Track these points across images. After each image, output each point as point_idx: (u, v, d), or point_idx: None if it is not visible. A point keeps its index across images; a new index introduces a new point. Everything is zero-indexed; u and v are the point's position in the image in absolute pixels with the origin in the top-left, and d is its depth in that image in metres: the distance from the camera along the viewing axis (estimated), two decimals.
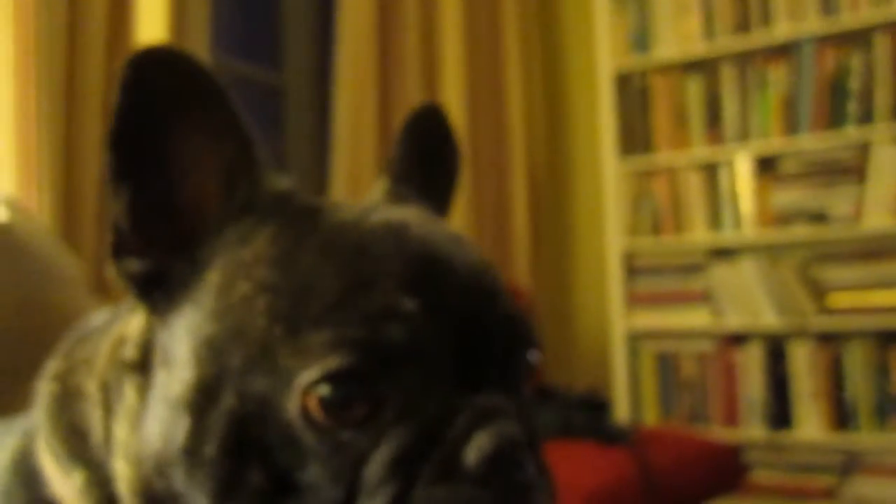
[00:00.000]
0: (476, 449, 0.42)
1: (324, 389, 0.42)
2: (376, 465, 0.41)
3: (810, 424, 2.68)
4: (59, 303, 0.93)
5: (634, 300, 2.99)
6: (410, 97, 2.69)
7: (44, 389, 0.53)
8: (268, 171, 0.49)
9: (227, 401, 0.43)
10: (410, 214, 0.51)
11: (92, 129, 1.69)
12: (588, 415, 1.97)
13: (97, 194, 1.69)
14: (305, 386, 0.42)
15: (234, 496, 0.42)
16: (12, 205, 0.90)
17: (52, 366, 0.54)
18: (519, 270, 2.96)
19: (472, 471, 0.41)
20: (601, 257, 3.10)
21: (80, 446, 0.49)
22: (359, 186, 2.48)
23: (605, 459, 1.80)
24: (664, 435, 2.27)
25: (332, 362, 0.42)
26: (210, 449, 0.43)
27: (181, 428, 0.44)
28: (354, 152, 2.54)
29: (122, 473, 0.47)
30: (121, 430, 0.48)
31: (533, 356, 0.51)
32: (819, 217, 2.72)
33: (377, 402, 0.42)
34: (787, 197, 2.77)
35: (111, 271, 0.49)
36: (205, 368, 0.44)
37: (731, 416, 2.80)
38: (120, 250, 0.48)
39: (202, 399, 0.44)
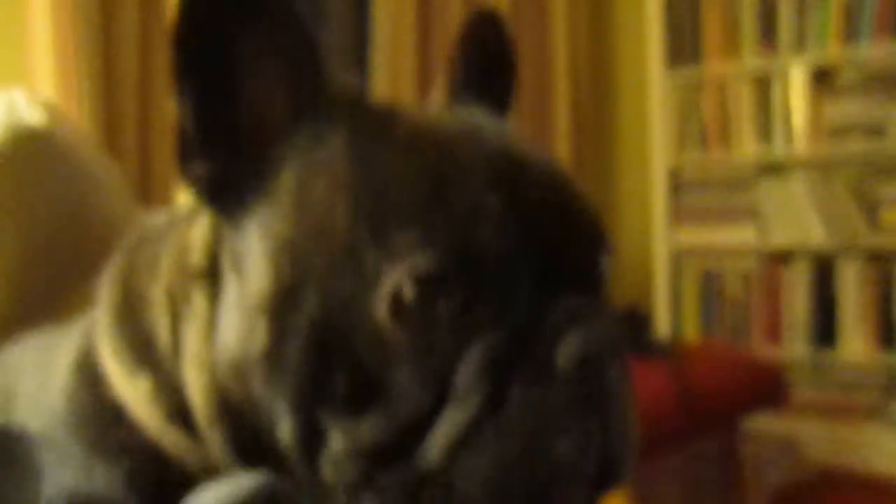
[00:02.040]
0: (567, 350, 0.41)
1: (412, 290, 0.40)
2: (467, 368, 0.40)
3: (855, 343, 2.64)
4: (104, 213, 0.92)
5: (679, 217, 2.93)
6: (451, 7, 2.61)
7: (106, 292, 0.52)
8: (335, 73, 0.47)
9: (311, 303, 0.42)
10: (482, 118, 0.50)
11: (131, 33, 1.67)
12: (629, 329, 1.96)
13: (138, 102, 1.68)
14: (393, 286, 0.41)
15: (317, 400, 0.41)
16: (50, 109, 0.88)
17: (113, 269, 0.53)
18: None
19: (563, 373, 0.41)
20: (646, 173, 3.03)
21: (145, 352, 0.48)
22: (398, 92, 2.44)
23: (644, 373, 1.79)
24: (705, 350, 2.26)
25: (421, 262, 0.40)
26: (293, 352, 0.42)
27: (260, 332, 0.43)
28: (394, 56, 2.49)
29: (194, 381, 0.46)
30: (191, 338, 0.46)
31: (608, 262, 0.49)
32: (876, 131, 2.61)
33: (466, 304, 0.41)
34: (843, 110, 2.66)
35: (177, 175, 0.47)
36: (284, 271, 0.43)
37: (774, 335, 2.76)
38: (186, 153, 0.46)
39: (283, 303, 0.43)
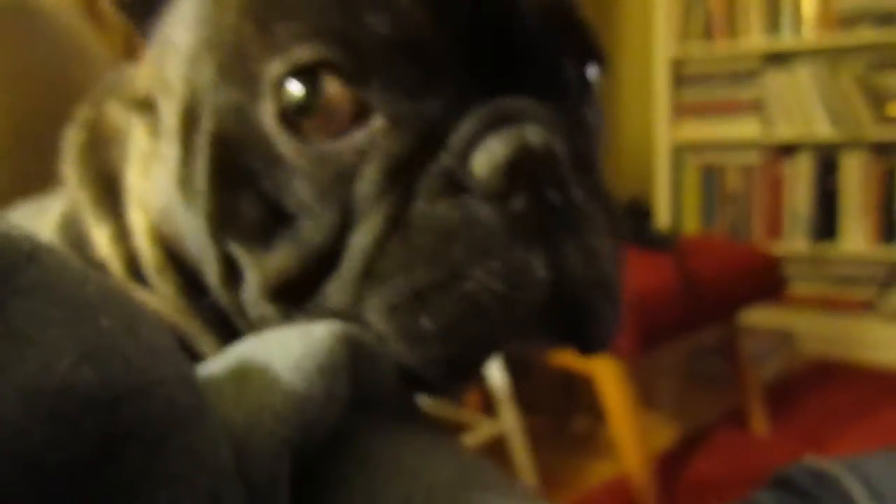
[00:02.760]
0: (486, 155, 0.33)
1: (296, 88, 0.35)
2: (367, 180, 0.35)
3: (855, 237, 2.63)
4: (86, 83, 0.87)
5: (681, 110, 2.87)
6: None
7: (71, 138, 0.48)
8: None
9: (207, 119, 0.38)
10: None
11: None
12: (631, 221, 1.94)
13: None
14: (274, 83, 0.35)
15: (230, 230, 0.37)
16: None
17: (80, 114, 0.49)
18: None
19: (483, 183, 0.33)
20: (647, 64, 2.95)
21: (108, 198, 0.45)
22: None
23: (647, 264, 1.78)
24: (706, 242, 2.24)
25: (302, 53, 0.35)
26: (199, 180, 0.38)
27: (173, 158, 0.39)
28: None
29: (139, 224, 0.42)
30: (133, 177, 0.43)
31: (592, 72, 0.41)
32: (886, 19, 2.53)
33: (363, 107, 0.35)
34: None
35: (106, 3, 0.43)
36: (186, 88, 0.39)
37: (774, 229, 2.75)
38: None
39: (187, 123, 0.38)
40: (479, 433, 1.76)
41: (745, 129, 2.77)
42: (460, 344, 0.33)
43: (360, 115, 0.35)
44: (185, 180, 0.39)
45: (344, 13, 0.35)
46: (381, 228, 0.34)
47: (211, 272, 0.38)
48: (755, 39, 2.74)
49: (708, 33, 2.82)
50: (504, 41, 0.36)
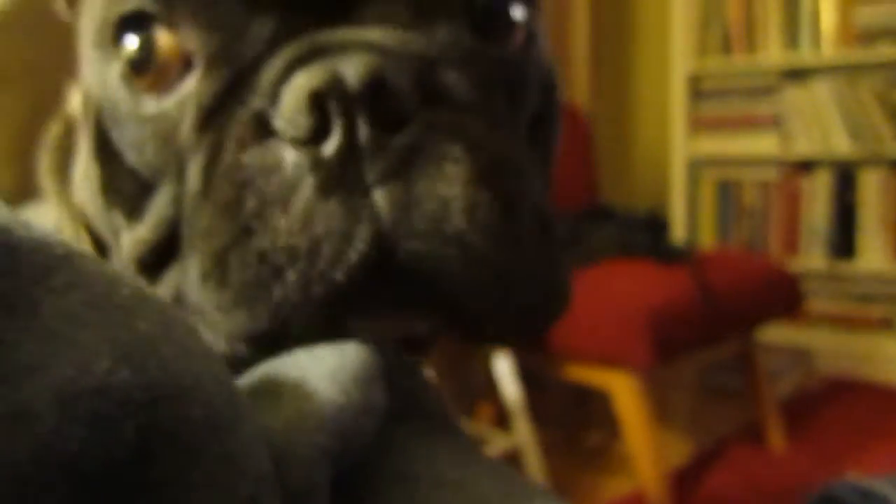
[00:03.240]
0: (291, 93, 0.29)
1: (131, 42, 0.33)
2: (184, 132, 0.32)
3: (874, 254, 2.61)
4: None
5: (698, 124, 2.86)
6: None
7: (49, 130, 0.47)
8: None
9: (89, 99, 0.37)
10: None
11: None
12: (647, 234, 1.93)
13: None
14: (110, 41, 0.34)
15: (114, 205, 0.36)
16: None
17: (63, 106, 0.49)
18: (578, 92, 2.84)
19: (287, 125, 0.29)
20: (665, 78, 2.94)
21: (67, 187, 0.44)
22: None
23: (665, 278, 1.77)
24: (722, 256, 2.23)
25: (127, 4, 0.33)
26: (88, 153, 0.37)
27: (83, 147, 0.39)
28: None
29: (72, 210, 0.42)
30: (76, 171, 0.42)
31: (516, 10, 0.35)
32: None
33: (188, 55, 0.33)
34: (873, 12, 2.55)
35: None
36: (85, 71, 0.38)
37: (791, 245, 2.73)
38: None
39: (85, 107, 0.38)
40: (493, 447, 1.75)
41: (763, 144, 2.75)
42: (267, 313, 0.29)
43: (187, 64, 0.33)
44: (85, 161, 0.38)
45: None
46: (194, 188, 0.32)
47: (116, 252, 0.37)
48: (773, 55, 2.73)
49: (726, 48, 2.81)
50: None
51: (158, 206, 0.34)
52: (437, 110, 0.30)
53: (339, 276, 0.28)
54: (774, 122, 2.73)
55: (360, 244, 0.28)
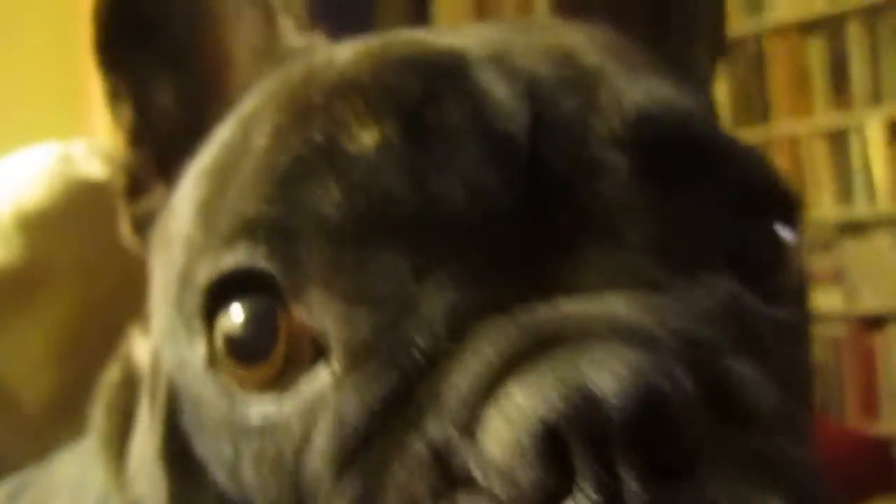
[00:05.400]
0: (507, 427, 0.19)
1: (233, 316, 0.23)
2: (313, 462, 0.22)
3: None
4: None
5: None
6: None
7: (106, 376, 0.42)
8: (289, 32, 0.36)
9: (161, 388, 0.29)
10: (509, 31, 0.30)
11: None
12: None
13: None
14: (196, 310, 0.24)
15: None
16: (112, 160, 0.82)
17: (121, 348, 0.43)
18: None
19: (503, 475, 0.19)
20: None
21: (120, 440, 0.36)
22: None
23: None
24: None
25: (227, 259, 0.24)
26: (154, 462, 0.29)
27: (143, 429, 0.33)
28: None
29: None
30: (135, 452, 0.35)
31: (783, 230, 0.26)
32: None
33: (319, 338, 0.23)
34: None
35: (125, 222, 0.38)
36: (152, 337, 0.32)
37: (870, 407, 2.55)
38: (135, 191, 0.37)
39: (151, 391, 0.31)
40: None
41: (827, 300, 2.64)
42: None
43: (317, 350, 0.23)
44: (143, 449, 0.31)
45: (283, 189, 0.23)
46: None
47: None
48: (828, 209, 2.67)
49: None
50: (551, 200, 0.23)
51: None
52: (736, 434, 0.19)
53: None
54: (837, 278, 2.64)
55: None
